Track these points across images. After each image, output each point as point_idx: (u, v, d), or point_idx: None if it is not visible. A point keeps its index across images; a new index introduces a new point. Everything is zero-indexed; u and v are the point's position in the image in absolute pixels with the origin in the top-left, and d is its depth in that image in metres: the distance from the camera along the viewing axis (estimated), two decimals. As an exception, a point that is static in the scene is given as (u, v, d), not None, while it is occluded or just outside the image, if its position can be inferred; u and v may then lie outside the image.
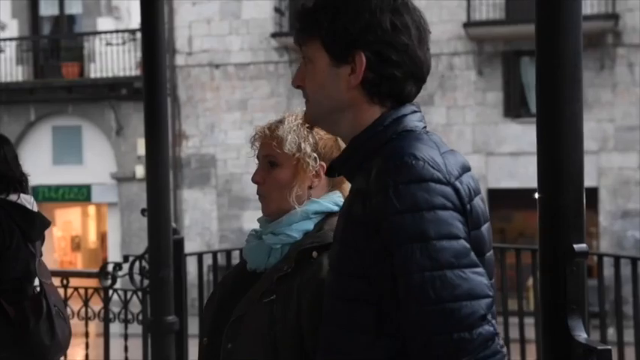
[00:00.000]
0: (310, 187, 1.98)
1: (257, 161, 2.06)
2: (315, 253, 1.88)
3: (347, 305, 1.59)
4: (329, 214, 1.97)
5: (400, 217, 1.48)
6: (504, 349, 1.52)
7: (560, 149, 2.17)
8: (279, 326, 1.84)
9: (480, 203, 1.61)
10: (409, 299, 1.48)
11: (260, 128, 2.03)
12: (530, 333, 5.34)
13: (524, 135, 16.19)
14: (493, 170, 16.70)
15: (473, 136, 16.93)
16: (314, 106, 1.70)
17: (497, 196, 15.27)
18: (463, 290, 1.47)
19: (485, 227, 1.62)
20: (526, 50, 16.07)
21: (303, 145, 1.96)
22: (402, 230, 1.48)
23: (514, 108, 16.92)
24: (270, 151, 1.98)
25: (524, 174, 15.92)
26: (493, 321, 1.50)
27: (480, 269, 1.51)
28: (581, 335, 2.08)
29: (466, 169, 1.61)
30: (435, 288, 1.46)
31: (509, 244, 7.73)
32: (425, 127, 1.67)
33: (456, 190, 1.53)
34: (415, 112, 1.67)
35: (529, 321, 5.35)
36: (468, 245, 1.51)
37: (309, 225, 1.96)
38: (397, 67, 1.63)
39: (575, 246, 2.13)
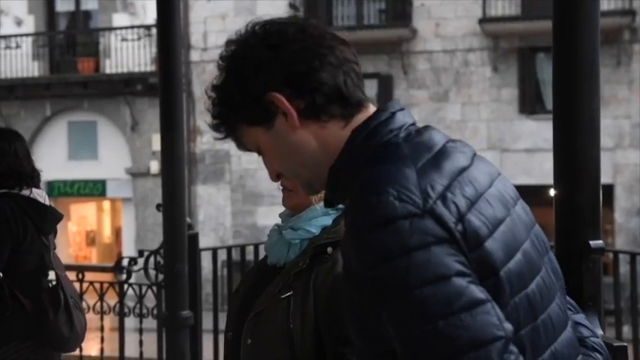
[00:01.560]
0: None
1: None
2: (330, 249, 1.88)
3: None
4: None
5: (373, 272, 1.27)
6: None
7: (576, 146, 2.16)
8: (297, 322, 1.85)
9: (484, 208, 1.35)
10: None
11: None
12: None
13: (539, 131, 16.13)
14: (508, 167, 16.65)
15: (488, 133, 16.88)
16: (299, 178, 1.54)
17: (512, 193, 15.21)
18: (464, 341, 1.23)
19: (495, 236, 1.35)
20: (542, 46, 15.99)
21: None
22: (378, 287, 1.27)
23: (529, 104, 16.85)
24: None
25: (539, 170, 15.87)
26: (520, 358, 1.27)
27: (484, 307, 1.26)
28: (598, 332, 2.07)
29: (458, 171, 1.37)
30: (429, 347, 1.24)
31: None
32: (410, 124, 1.45)
33: (437, 217, 1.28)
34: (392, 115, 1.45)
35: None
36: (461, 282, 1.26)
37: (328, 220, 1.97)
38: (312, 74, 1.45)
39: (591, 242, 2.13)
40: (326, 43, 1.46)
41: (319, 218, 1.97)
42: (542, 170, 15.40)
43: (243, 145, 1.54)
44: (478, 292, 1.26)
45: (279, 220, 2.09)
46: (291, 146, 1.47)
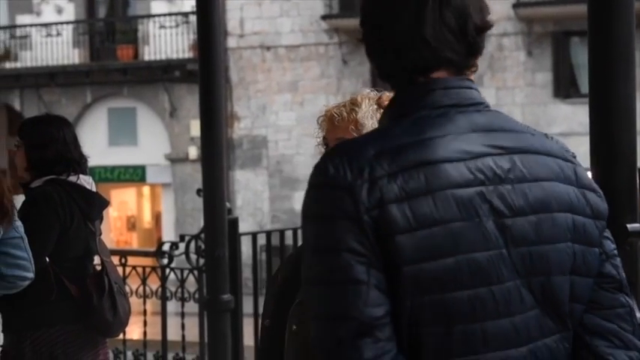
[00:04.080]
0: None
1: (320, 141, 2.07)
2: None
3: None
4: None
5: (302, 223, 1.43)
6: None
7: (612, 130, 2.17)
8: None
9: (421, 205, 1.34)
10: None
11: (336, 110, 2.02)
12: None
13: (574, 115, 15.97)
14: (545, 151, 16.48)
15: (522, 117, 16.73)
16: None
17: (550, 177, 15.04)
18: (325, 309, 1.35)
19: (418, 233, 1.34)
20: (576, 30, 15.79)
21: None
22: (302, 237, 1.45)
23: (564, 88, 16.67)
24: (346, 134, 1.98)
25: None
26: (366, 346, 1.31)
27: (357, 287, 1.32)
28: (637, 316, 2.08)
29: (420, 163, 1.36)
30: (309, 303, 1.40)
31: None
32: (451, 105, 1.44)
33: (354, 196, 1.34)
34: (430, 91, 1.44)
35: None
36: (348, 259, 1.32)
37: None
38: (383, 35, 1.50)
39: (628, 226, 2.13)
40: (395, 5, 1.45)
41: None
42: (577, 154, 15.10)
43: None
44: (360, 272, 1.33)
45: None
46: None
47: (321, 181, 1.38)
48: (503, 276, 1.38)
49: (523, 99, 16.83)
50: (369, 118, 1.97)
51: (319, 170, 1.39)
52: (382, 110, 1.92)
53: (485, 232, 1.37)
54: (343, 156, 1.38)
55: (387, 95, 2.01)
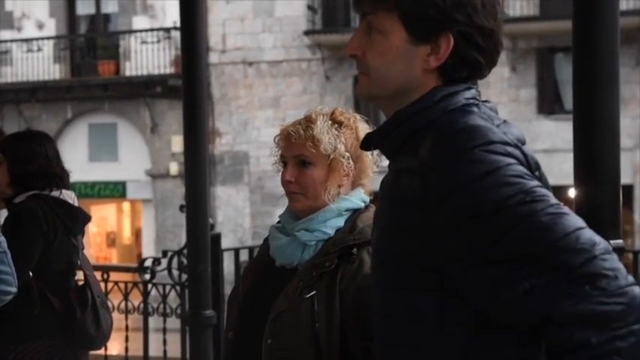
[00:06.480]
0: (340, 186, 2.04)
1: (278, 160, 2.11)
2: (355, 250, 1.93)
3: (402, 294, 1.44)
4: (356, 211, 2.04)
5: (479, 183, 1.33)
6: None
7: (596, 146, 2.19)
8: (322, 322, 1.88)
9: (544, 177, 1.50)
10: (534, 242, 1.32)
11: (292, 128, 2.06)
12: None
13: (558, 132, 16.08)
14: (527, 167, 16.57)
15: (506, 133, 16.84)
16: (377, 83, 1.50)
17: (531, 193, 15.13)
18: (573, 222, 1.34)
19: None
20: (560, 47, 15.94)
21: (338, 145, 2.01)
22: (486, 197, 1.33)
23: (548, 105, 16.80)
24: (304, 150, 2.03)
25: (558, 171, 15.76)
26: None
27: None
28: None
29: (522, 141, 1.49)
30: (556, 225, 1.31)
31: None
32: (480, 101, 1.53)
33: (524, 155, 1.43)
34: (469, 88, 1.52)
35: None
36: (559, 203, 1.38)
37: (341, 222, 2.01)
38: (482, 54, 1.50)
39: (611, 242, 2.14)
40: (502, 34, 1.53)
41: (333, 219, 2.01)
42: (561, 170, 15.31)
43: (365, 16, 1.51)
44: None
45: None
46: (408, 74, 1.49)
47: (492, 138, 1.38)
48: None
49: (507, 115, 16.87)
50: (325, 134, 2.01)
51: (480, 128, 1.39)
52: (336, 125, 1.99)
53: None
54: (485, 124, 1.42)
55: (339, 110, 2.07)
